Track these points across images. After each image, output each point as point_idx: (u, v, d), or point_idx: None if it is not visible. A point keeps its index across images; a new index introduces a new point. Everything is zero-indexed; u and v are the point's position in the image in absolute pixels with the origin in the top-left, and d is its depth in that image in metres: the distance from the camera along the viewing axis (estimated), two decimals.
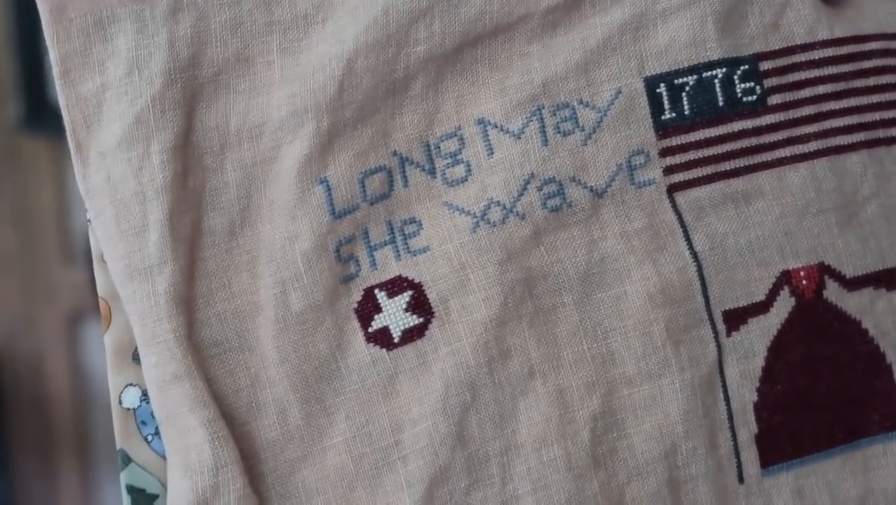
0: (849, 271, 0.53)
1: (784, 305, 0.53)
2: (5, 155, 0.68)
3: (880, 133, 0.54)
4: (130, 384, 0.51)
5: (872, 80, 0.54)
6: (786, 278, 0.53)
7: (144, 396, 0.51)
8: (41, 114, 0.89)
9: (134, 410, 0.51)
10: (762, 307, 0.52)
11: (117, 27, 0.48)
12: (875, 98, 0.54)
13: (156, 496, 0.51)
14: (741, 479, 0.52)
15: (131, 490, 0.51)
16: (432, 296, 0.50)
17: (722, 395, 0.52)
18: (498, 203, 0.50)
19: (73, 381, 0.73)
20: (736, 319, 0.52)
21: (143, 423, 0.51)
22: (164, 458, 0.51)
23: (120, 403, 0.51)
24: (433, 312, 0.50)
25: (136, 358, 0.50)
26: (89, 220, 0.50)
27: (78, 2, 0.48)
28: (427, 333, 0.50)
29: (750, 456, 0.52)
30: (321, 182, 0.49)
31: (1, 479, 0.55)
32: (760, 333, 0.52)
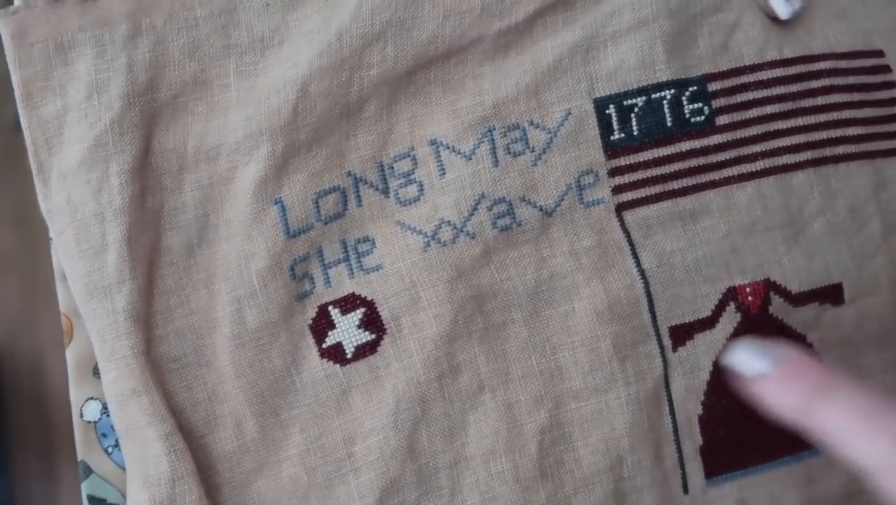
0: (794, 287, 0.54)
1: (730, 320, 0.54)
2: (5, 155, 0.67)
3: (827, 151, 0.55)
4: (91, 398, 0.52)
5: (820, 100, 0.55)
6: (732, 294, 0.54)
7: (105, 409, 0.52)
8: None
9: (95, 422, 0.52)
10: (708, 323, 0.53)
11: (77, 52, 0.49)
12: (823, 117, 0.55)
13: None
14: (686, 489, 0.54)
15: (92, 500, 0.52)
16: (384, 313, 0.51)
17: (668, 408, 0.53)
18: (449, 223, 0.51)
19: None
20: (682, 334, 0.53)
21: (104, 435, 0.52)
22: (123, 469, 0.52)
23: (81, 416, 0.52)
24: (385, 329, 0.51)
25: (96, 373, 0.52)
26: (51, 238, 0.51)
27: (39, 27, 0.49)
28: (379, 349, 0.51)
29: (695, 467, 0.53)
30: (276, 203, 0.50)
31: (1, 479, 0.55)
32: (706, 348, 0.53)
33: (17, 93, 0.49)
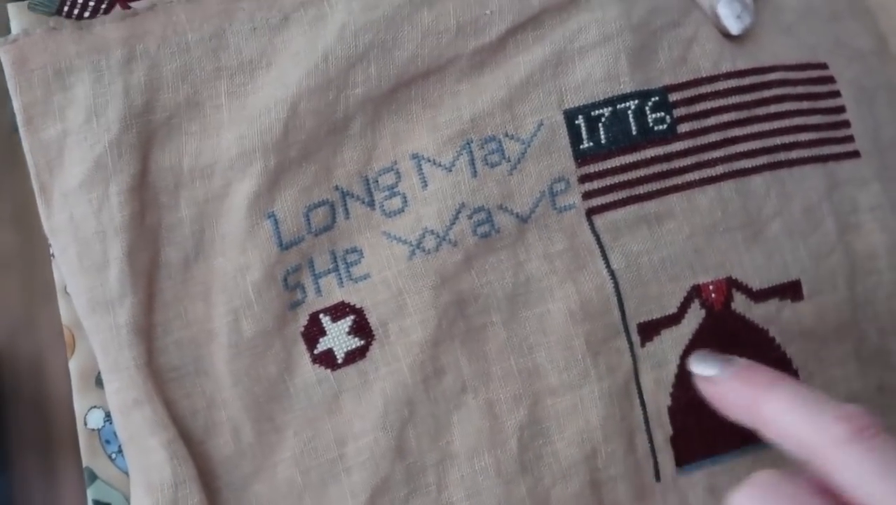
0: (755, 284, 0.57)
1: (695, 316, 0.56)
2: (5, 155, 0.67)
3: (782, 156, 0.58)
4: (94, 406, 0.54)
5: (773, 108, 0.58)
6: (696, 292, 0.56)
7: (107, 417, 0.54)
8: None
9: (98, 430, 0.54)
10: (674, 319, 0.56)
11: (76, 77, 0.51)
12: (776, 124, 0.58)
13: None
14: (658, 477, 0.56)
15: (98, 504, 0.54)
16: (373, 320, 0.54)
17: (638, 400, 0.56)
18: (432, 232, 0.54)
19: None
20: (650, 330, 0.56)
21: (107, 442, 0.54)
22: (127, 474, 0.54)
23: (85, 424, 0.53)
24: (374, 335, 0.54)
25: (98, 382, 0.53)
26: (53, 255, 0.53)
27: (38, 54, 0.51)
28: (368, 354, 0.54)
29: (666, 456, 0.56)
30: (269, 217, 0.52)
31: (1, 479, 0.56)
32: (673, 343, 0.56)
33: (18, 118, 0.51)
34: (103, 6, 0.53)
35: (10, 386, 0.56)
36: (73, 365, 0.54)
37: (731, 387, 0.52)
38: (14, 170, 0.53)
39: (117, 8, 0.53)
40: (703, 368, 0.54)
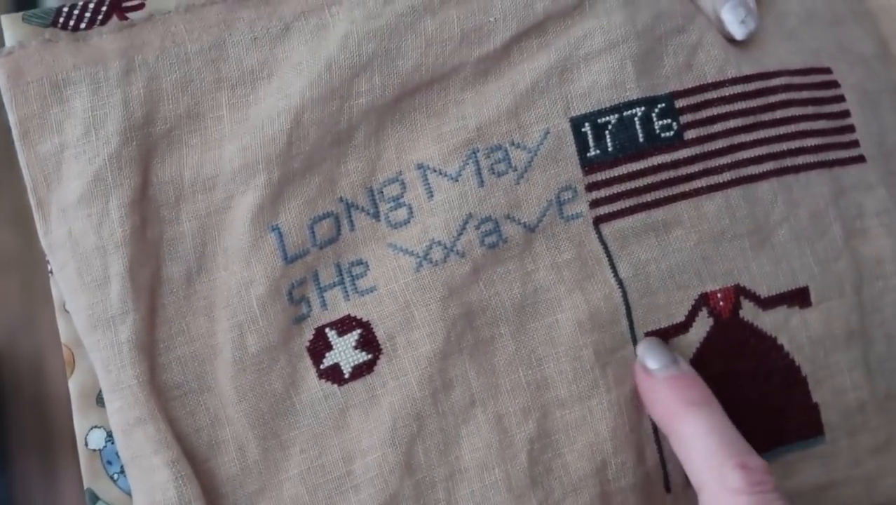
0: (763, 291, 0.57)
1: (703, 324, 0.56)
2: (5, 155, 0.66)
3: (788, 162, 0.57)
4: (95, 426, 0.53)
5: (779, 113, 0.58)
6: (704, 300, 0.56)
7: (109, 436, 0.52)
8: None
9: (100, 450, 0.53)
10: (682, 328, 0.56)
11: (73, 89, 0.50)
12: (782, 129, 0.58)
13: None
14: (668, 488, 0.56)
15: None
16: (380, 333, 0.53)
17: (647, 410, 0.55)
18: (439, 243, 0.53)
19: None
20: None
21: (109, 462, 0.53)
22: (130, 495, 0.52)
23: (86, 444, 0.52)
24: (381, 349, 0.53)
25: (99, 401, 0.52)
26: (51, 272, 0.52)
27: (34, 66, 0.50)
28: (376, 368, 0.53)
29: (676, 466, 0.55)
30: (273, 229, 0.52)
31: (1, 478, 0.55)
32: (681, 352, 0.55)
33: (14, 132, 0.50)
34: (100, 17, 0.52)
35: (10, 386, 0.55)
36: (73, 384, 0.52)
37: (661, 388, 0.53)
38: (14, 170, 0.51)
39: (114, 19, 0.52)
40: (648, 358, 0.54)
